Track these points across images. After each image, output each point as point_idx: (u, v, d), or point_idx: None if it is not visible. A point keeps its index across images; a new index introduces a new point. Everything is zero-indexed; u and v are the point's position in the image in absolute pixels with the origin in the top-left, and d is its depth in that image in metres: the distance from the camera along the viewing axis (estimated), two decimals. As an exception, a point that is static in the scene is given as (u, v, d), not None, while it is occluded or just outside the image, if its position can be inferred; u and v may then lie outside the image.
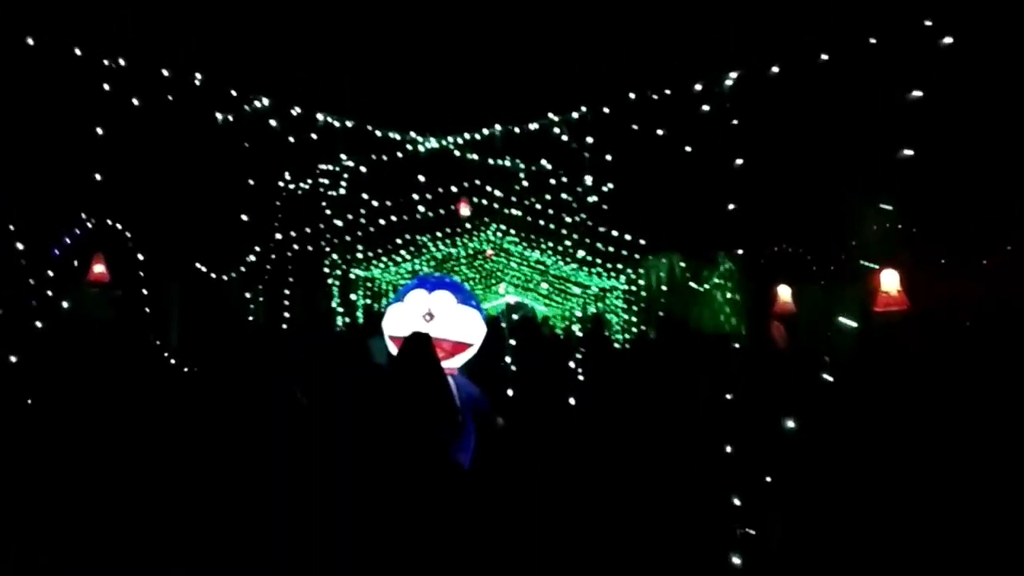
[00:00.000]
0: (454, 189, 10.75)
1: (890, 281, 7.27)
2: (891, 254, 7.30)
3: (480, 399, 6.26)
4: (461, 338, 6.06)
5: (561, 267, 18.12)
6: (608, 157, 6.68)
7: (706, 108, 5.43)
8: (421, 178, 7.07)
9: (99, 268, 7.38)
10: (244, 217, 8.22)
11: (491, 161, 7.20)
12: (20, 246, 5.67)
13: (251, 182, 7.69)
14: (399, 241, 13.68)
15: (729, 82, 5.21)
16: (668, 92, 5.47)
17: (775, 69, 5.10)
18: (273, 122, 6.93)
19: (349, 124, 6.20)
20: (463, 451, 5.65)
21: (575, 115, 5.95)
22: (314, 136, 6.56)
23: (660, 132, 6.06)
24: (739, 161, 5.50)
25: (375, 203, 10.48)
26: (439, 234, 14.21)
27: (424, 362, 5.04)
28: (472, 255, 19.67)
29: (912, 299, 7.22)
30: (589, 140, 6.13)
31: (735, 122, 5.30)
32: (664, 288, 13.26)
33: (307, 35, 7.15)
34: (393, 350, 6.24)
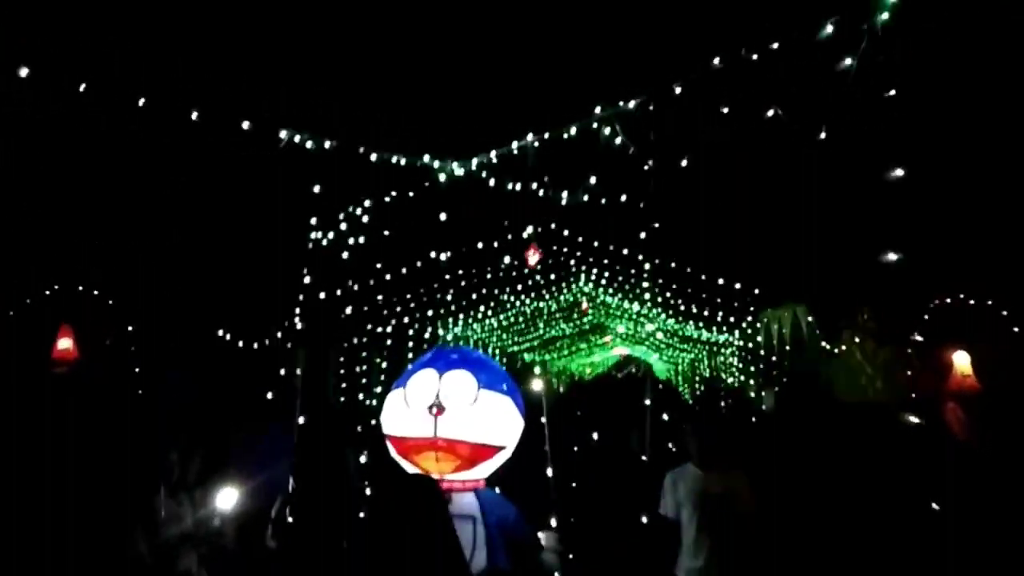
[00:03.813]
0: (525, 235, 9.15)
1: None
2: None
3: (517, 525, 4.42)
4: (484, 439, 4.28)
5: (665, 320, 16.04)
6: (684, 163, 4.71)
7: (847, 62, 3.34)
8: (449, 216, 5.52)
9: (65, 343, 6.10)
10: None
11: (539, 189, 5.50)
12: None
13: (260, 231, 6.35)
14: (474, 296, 12.14)
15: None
16: (775, 46, 3.46)
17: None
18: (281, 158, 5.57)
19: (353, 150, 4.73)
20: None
21: (632, 104, 4.08)
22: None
23: (772, 113, 3.99)
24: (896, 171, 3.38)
25: (434, 254, 9.02)
26: (519, 287, 12.53)
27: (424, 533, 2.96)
28: (567, 308, 17.90)
29: None
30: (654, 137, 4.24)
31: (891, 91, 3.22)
32: (786, 347, 10.93)
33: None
34: (394, 454, 4.56)
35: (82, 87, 4.23)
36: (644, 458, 6.12)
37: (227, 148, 5.53)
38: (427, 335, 15.09)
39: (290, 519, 4.55)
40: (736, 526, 4.71)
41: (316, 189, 4.97)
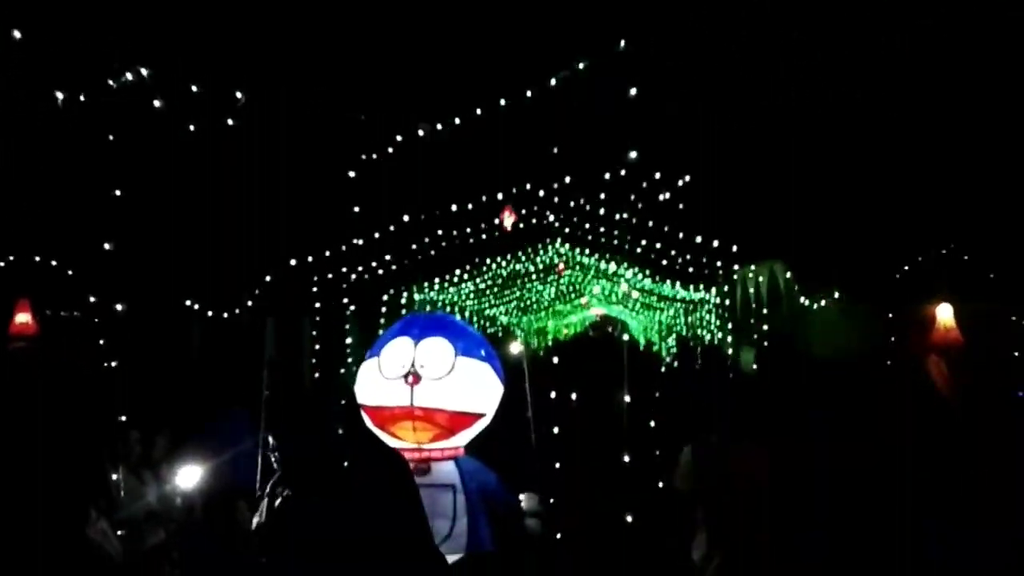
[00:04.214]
0: (499, 196, 8.92)
1: None
2: None
3: (498, 492, 4.32)
4: (463, 407, 4.14)
5: (642, 280, 16.00)
6: (663, 119, 4.57)
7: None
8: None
9: (23, 318, 5.78)
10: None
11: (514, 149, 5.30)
12: None
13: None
14: (449, 260, 11.92)
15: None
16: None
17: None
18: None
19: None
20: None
21: (609, 57, 3.91)
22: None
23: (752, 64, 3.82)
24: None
25: (407, 217, 8.77)
26: (495, 249, 12.34)
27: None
28: (543, 270, 17.80)
29: None
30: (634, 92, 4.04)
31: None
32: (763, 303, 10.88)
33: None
34: (370, 425, 4.41)
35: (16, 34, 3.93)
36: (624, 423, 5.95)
37: (187, 109, 5.26)
38: (402, 300, 14.89)
39: (285, 495, 4.40)
40: (762, 506, 4.45)
41: (282, 149, 4.72)
